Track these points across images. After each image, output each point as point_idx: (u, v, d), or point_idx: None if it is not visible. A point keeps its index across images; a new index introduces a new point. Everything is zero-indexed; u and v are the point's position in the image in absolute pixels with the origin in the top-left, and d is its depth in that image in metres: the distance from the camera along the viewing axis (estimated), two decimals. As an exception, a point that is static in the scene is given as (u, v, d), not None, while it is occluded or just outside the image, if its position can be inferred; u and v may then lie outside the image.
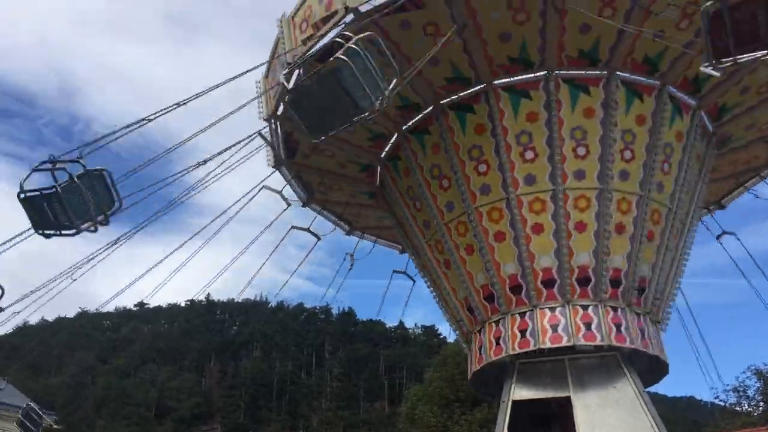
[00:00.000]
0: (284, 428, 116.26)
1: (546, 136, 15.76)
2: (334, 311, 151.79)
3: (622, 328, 15.34)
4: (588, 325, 15.21)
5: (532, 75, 15.78)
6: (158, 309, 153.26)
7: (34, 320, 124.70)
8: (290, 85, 8.39)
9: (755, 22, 7.93)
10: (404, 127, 17.65)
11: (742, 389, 38.92)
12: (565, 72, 15.85)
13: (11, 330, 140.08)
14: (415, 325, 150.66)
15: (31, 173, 10.11)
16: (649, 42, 15.16)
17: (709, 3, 7.81)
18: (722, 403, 41.29)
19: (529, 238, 15.80)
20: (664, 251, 16.52)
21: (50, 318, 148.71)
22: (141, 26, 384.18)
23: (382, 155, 18.80)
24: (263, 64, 17.76)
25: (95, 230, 10.38)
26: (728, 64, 8.41)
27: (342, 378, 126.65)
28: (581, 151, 15.74)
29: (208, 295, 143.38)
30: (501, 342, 15.88)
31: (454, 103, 16.56)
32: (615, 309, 15.50)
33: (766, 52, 8.05)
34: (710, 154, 18.08)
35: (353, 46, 8.09)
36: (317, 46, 8.41)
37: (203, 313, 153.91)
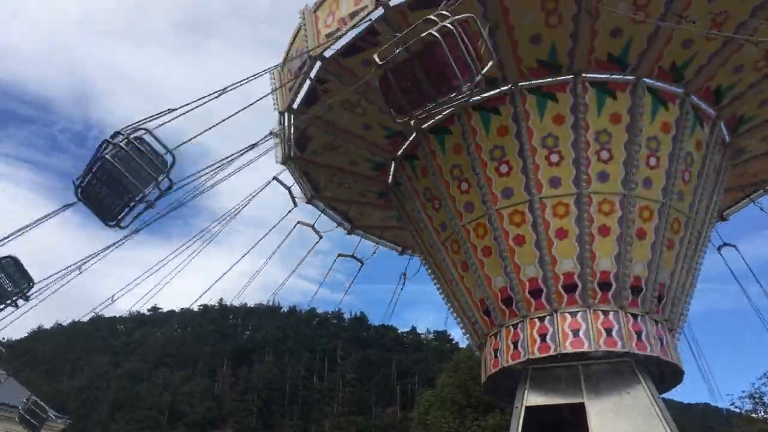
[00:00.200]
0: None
1: (572, 140, 15.66)
2: (346, 316, 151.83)
3: (643, 336, 15.23)
4: (609, 331, 15.08)
5: (560, 78, 15.66)
6: (171, 313, 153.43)
7: (48, 324, 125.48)
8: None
9: (417, 80, 8.20)
10: (424, 126, 17.40)
11: (758, 396, 38.61)
12: (592, 76, 15.78)
13: (26, 334, 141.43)
14: (428, 330, 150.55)
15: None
16: (678, 50, 15.21)
17: (374, 70, 7.94)
18: (738, 410, 40.94)
19: (552, 242, 15.66)
20: (682, 260, 16.52)
21: (64, 322, 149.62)
22: (154, 33, 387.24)
23: (399, 153, 18.58)
24: (276, 66, 17.44)
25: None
26: (418, 116, 8.69)
27: (354, 383, 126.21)
28: (605, 155, 15.66)
29: (221, 299, 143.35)
30: (519, 346, 15.70)
31: (477, 104, 16.35)
32: (635, 316, 15.40)
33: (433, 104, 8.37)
34: (726, 165, 18.13)
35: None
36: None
37: (216, 318, 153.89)
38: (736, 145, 18.18)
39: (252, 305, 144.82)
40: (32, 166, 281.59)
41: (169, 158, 9.91)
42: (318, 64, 15.83)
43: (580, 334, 15.07)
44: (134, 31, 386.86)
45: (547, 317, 15.56)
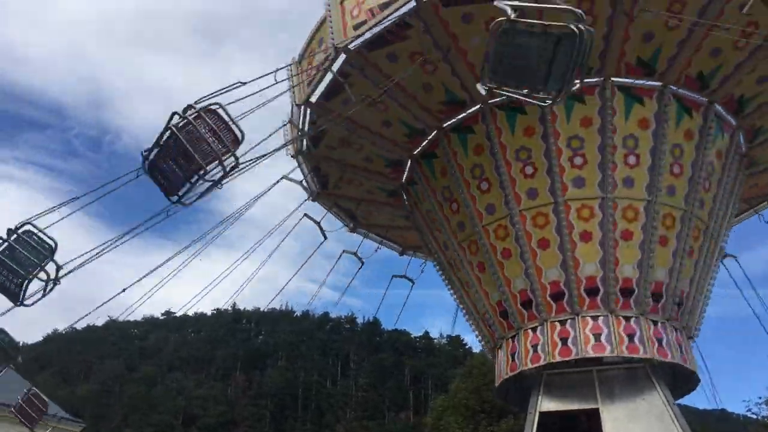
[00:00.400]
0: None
1: (598, 143, 15.57)
2: (359, 321, 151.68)
3: (663, 343, 15.16)
4: (631, 337, 14.97)
5: (589, 80, 15.50)
6: (185, 318, 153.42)
7: (62, 328, 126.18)
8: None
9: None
10: (446, 124, 17.24)
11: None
12: (620, 80, 15.72)
13: (40, 339, 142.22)
14: (441, 334, 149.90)
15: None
16: (706, 58, 15.23)
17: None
18: (754, 416, 40.63)
19: (575, 245, 15.51)
20: (700, 267, 16.55)
21: (79, 326, 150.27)
22: (169, 38, 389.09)
23: (416, 152, 18.33)
24: (295, 61, 17.25)
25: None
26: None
27: (367, 388, 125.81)
28: (632, 160, 15.60)
29: (234, 304, 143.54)
30: (539, 349, 15.52)
31: (503, 103, 16.17)
32: (655, 323, 15.31)
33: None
34: (742, 175, 18.24)
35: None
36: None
37: (229, 322, 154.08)
38: (751, 157, 18.27)
39: (265, 309, 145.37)
40: (48, 171, 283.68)
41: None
42: (342, 56, 15.50)
43: (602, 338, 14.93)
44: (151, 37, 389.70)
45: (569, 321, 15.38)
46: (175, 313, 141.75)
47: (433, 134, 17.66)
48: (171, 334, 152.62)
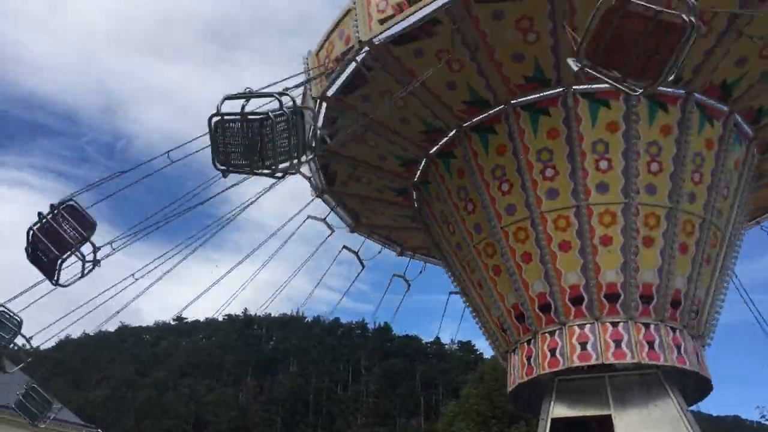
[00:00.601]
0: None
1: (623, 148, 15.50)
2: (370, 326, 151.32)
3: (682, 350, 15.14)
4: (651, 344, 14.90)
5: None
6: (196, 323, 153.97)
7: (75, 334, 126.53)
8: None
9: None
10: (466, 124, 17.09)
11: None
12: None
13: (53, 344, 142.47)
14: (452, 340, 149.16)
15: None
16: (730, 67, 15.26)
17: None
18: (769, 423, 40.26)
19: (596, 250, 15.43)
20: (716, 275, 16.61)
21: (91, 332, 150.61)
22: (182, 45, 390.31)
23: (432, 151, 18.10)
24: (310, 79, 16.69)
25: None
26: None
27: (378, 394, 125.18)
28: (655, 167, 15.59)
29: (245, 309, 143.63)
30: (557, 354, 15.38)
31: (527, 104, 16.21)
32: (674, 330, 15.29)
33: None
34: (754, 185, 18.36)
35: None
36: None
37: (240, 328, 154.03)
38: (761, 169, 18.36)
39: (276, 315, 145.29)
40: (60, 177, 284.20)
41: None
42: (365, 49, 15.14)
43: (623, 345, 14.84)
44: (163, 43, 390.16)
45: (588, 326, 15.26)
46: (186, 318, 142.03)
47: (452, 133, 17.42)
48: (182, 340, 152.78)
